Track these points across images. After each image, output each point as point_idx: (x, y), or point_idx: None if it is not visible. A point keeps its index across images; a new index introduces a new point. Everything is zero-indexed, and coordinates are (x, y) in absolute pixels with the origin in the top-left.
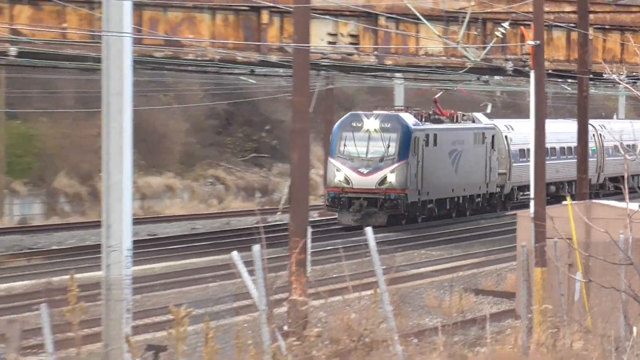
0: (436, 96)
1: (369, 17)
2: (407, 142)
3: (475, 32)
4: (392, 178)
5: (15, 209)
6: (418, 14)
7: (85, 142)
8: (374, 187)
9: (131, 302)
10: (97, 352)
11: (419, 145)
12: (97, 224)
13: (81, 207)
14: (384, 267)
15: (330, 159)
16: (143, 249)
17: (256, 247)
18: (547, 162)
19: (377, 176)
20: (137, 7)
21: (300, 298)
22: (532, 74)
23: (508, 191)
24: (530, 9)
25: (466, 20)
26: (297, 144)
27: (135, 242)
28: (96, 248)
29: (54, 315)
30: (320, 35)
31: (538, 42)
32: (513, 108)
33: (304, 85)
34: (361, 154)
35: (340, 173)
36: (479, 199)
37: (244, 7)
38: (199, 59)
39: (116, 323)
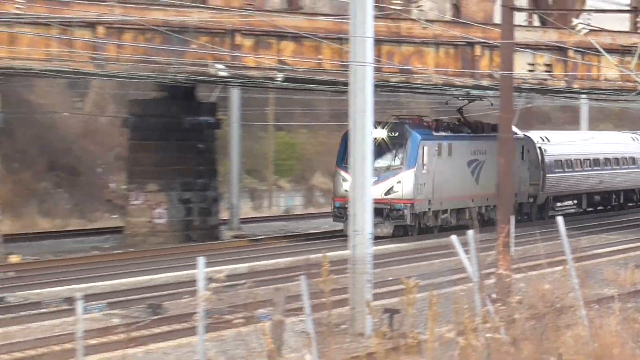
0: (460, 106)
1: (560, 50)
2: (414, 152)
3: None
4: (398, 188)
5: (281, 201)
6: (599, 48)
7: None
8: (379, 197)
9: (371, 275)
10: (345, 314)
11: (430, 154)
12: None
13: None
14: (571, 248)
15: (337, 169)
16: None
17: (470, 232)
18: (593, 172)
19: (384, 186)
20: (377, 43)
21: (505, 272)
22: None
23: (542, 201)
24: None
25: (637, 52)
26: (503, 150)
27: None
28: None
29: (310, 285)
30: (521, 64)
31: None
32: None
33: (509, 104)
34: None
35: (347, 182)
36: None
37: (461, 43)
38: (425, 83)
39: (359, 291)
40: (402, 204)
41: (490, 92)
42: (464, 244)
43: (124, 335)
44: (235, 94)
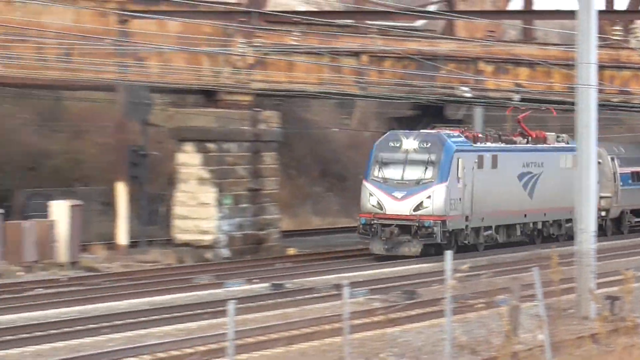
0: (520, 116)
1: None
2: (447, 164)
3: None
4: (428, 203)
5: None
6: None
7: None
8: (408, 214)
9: (595, 266)
10: (571, 300)
11: (467, 166)
12: None
13: None
14: None
15: (365, 182)
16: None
17: None
18: None
19: (412, 201)
20: (600, 68)
21: None
22: None
23: (616, 215)
24: None
25: None
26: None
27: None
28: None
29: (542, 275)
30: None
31: None
32: None
33: None
34: (396, 176)
35: (373, 197)
36: (570, 224)
37: None
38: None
39: (585, 281)
40: (431, 221)
41: None
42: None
43: (383, 316)
44: (478, 113)
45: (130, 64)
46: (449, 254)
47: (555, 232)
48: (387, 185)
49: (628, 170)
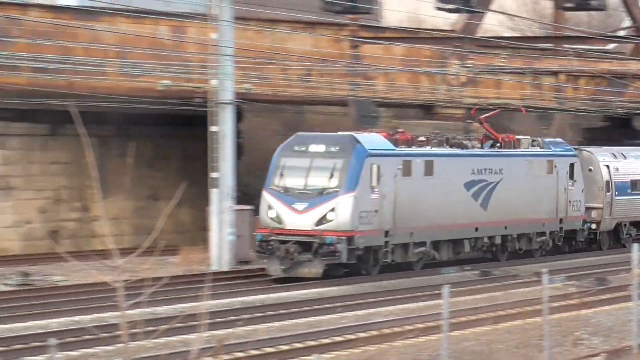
0: (482, 117)
1: None
2: (356, 171)
3: None
4: (332, 216)
5: None
6: None
7: None
8: (309, 229)
9: None
10: None
11: (385, 174)
12: None
13: None
14: None
15: (264, 192)
16: None
17: None
18: None
19: (315, 214)
20: None
21: None
22: None
23: (609, 228)
24: None
25: None
26: None
27: None
28: None
29: None
30: None
31: None
32: None
33: None
34: (299, 185)
35: (272, 210)
36: (543, 238)
37: None
38: None
39: None
40: (334, 237)
41: None
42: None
43: (578, 300)
44: None
45: (360, 82)
46: (635, 247)
47: (524, 246)
48: (288, 196)
49: (627, 178)
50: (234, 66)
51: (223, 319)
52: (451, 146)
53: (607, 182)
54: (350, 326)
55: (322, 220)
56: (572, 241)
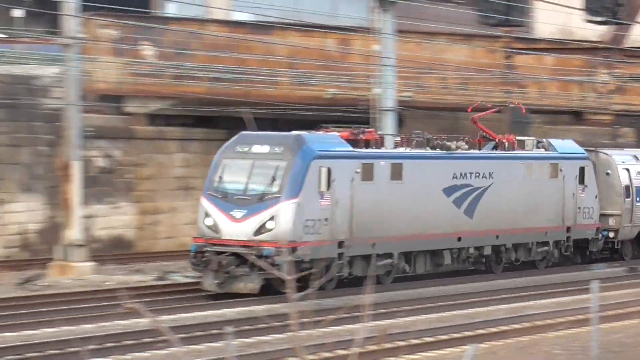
0: (475, 116)
1: None
2: (301, 174)
3: None
4: (272, 225)
5: None
6: None
7: None
8: (247, 239)
9: None
10: None
11: (339, 178)
12: None
13: None
14: None
15: (201, 198)
16: None
17: None
18: None
19: (253, 222)
20: None
21: None
22: None
23: (630, 236)
24: None
25: None
26: None
27: None
28: None
29: None
30: None
31: None
32: None
33: None
34: (238, 190)
35: (209, 218)
36: (545, 248)
37: None
38: None
39: None
40: (272, 249)
41: None
42: None
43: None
44: None
45: (513, 90)
46: None
47: (522, 257)
48: (226, 202)
49: None
50: (395, 75)
51: (385, 310)
52: (433, 148)
53: (627, 187)
54: (504, 318)
55: (260, 229)
56: (586, 251)
